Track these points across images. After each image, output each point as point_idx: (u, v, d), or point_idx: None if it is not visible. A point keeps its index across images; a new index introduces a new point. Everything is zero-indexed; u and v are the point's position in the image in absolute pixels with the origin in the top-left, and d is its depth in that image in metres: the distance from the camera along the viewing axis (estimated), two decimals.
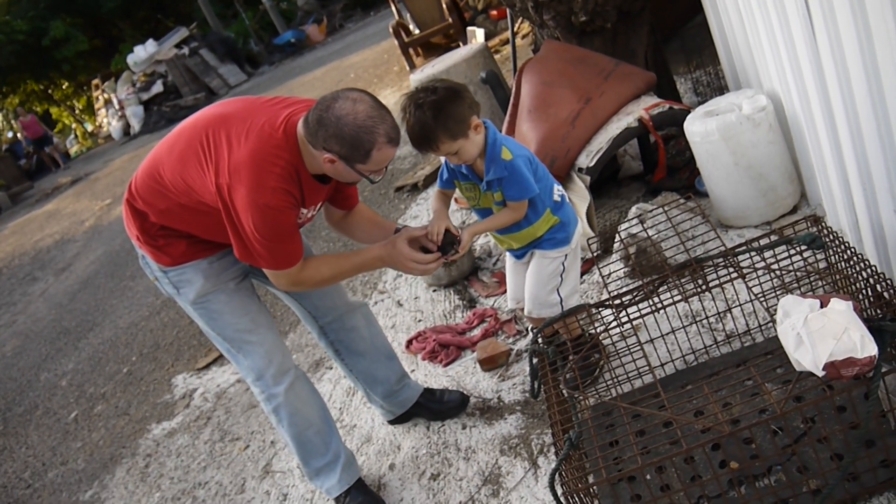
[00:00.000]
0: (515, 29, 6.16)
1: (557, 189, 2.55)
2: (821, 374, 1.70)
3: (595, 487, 2.17)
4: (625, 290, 2.52)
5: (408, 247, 2.40)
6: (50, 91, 30.94)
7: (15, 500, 4.21)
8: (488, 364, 3.16)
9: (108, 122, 22.50)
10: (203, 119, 2.36)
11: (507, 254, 2.74)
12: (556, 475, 1.91)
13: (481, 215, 2.55)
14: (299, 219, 2.35)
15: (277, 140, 2.21)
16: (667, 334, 2.59)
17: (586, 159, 3.36)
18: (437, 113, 2.23)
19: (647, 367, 2.51)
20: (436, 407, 2.99)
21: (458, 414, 2.96)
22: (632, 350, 2.48)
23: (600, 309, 2.49)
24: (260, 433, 3.59)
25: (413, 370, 3.40)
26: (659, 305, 2.37)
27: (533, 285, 2.62)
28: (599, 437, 2.39)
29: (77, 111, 31.89)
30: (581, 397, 2.36)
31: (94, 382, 5.35)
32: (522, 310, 2.73)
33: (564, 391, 2.20)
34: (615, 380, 2.53)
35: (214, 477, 3.45)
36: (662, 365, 2.57)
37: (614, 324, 2.45)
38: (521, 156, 2.38)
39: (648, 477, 2.18)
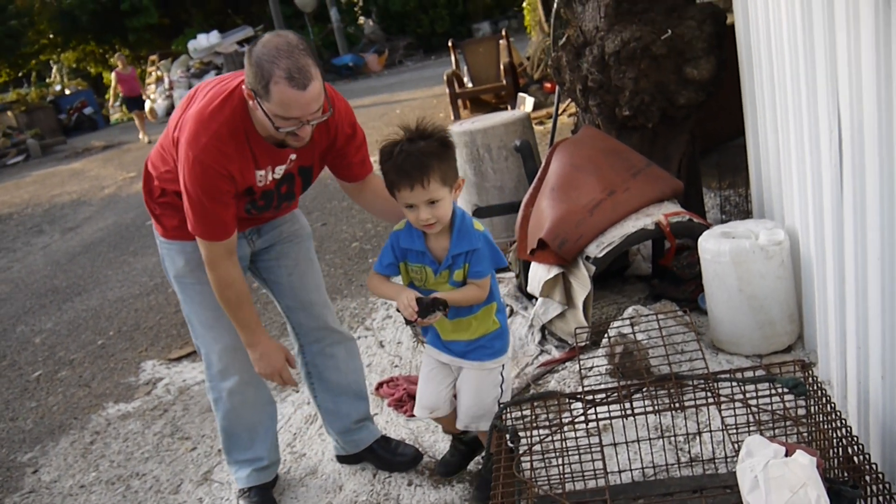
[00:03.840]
0: (562, 107, 6.22)
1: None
2: None
3: None
4: (601, 387, 2.48)
5: None
6: (107, 56, 31.42)
7: None
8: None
9: (155, 99, 22.77)
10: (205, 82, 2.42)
11: (426, 355, 2.52)
12: None
13: None
14: (255, 185, 2.31)
15: (225, 96, 2.21)
16: (632, 442, 2.54)
17: (596, 249, 3.34)
18: (438, 150, 2.13)
19: (603, 471, 2.46)
20: (387, 457, 2.94)
21: (408, 469, 2.90)
22: (592, 450, 2.43)
23: (571, 400, 2.45)
24: (210, 438, 3.54)
25: (376, 413, 3.35)
26: (630, 412, 2.33)
27: (472, 399, 2.45)
28: None
29: None
30: (528, 486, 2.32)
31: (67, 347, 5.31)
32: (435, 420, 2.62)
33: (514, 475, 2.15)
34: (571, 475, 2.48)
35: (154, 471, 3.39)
36: (620, 472, 2.52)
37: (582, 419, 2.41)
38: (486, 231, 2.30)
39: None
